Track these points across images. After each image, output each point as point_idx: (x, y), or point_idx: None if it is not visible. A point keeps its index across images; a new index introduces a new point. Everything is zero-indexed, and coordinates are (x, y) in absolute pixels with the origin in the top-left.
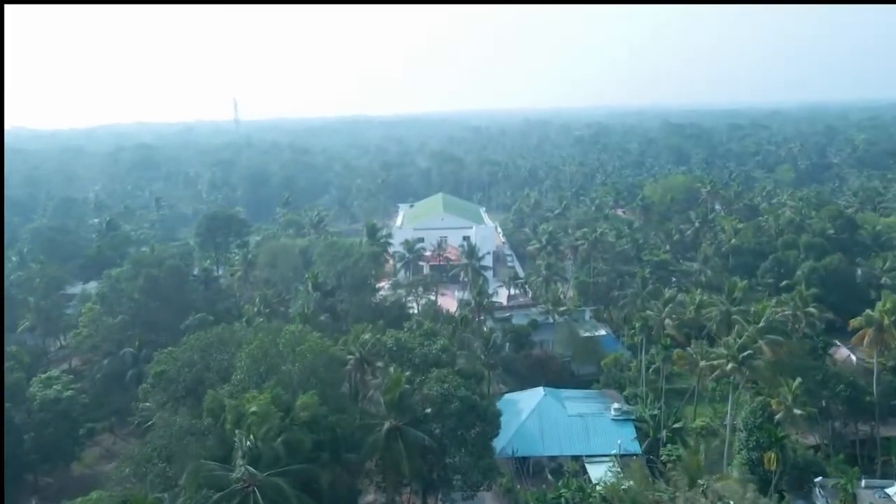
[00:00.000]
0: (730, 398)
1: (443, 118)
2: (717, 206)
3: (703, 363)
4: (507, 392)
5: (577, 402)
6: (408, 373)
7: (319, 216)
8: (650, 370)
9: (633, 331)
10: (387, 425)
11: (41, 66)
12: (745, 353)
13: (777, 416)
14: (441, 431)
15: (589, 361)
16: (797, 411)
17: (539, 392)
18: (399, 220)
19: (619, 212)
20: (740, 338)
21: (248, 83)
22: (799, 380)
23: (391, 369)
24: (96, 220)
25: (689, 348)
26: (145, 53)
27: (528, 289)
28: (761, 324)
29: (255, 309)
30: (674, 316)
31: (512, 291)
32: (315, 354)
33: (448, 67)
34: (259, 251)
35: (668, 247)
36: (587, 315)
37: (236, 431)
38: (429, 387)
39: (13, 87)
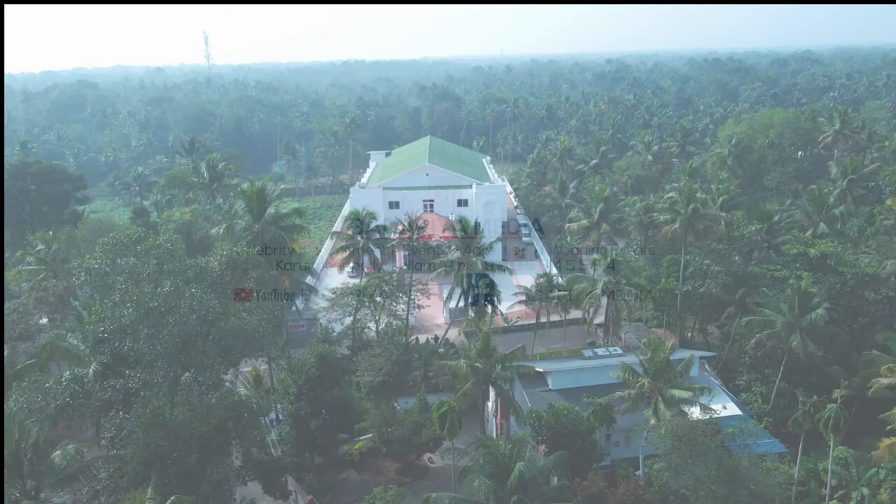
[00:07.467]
0: None
1: (441, 62)
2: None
3: None
4: None
5: None
6: None
7: (213, 167)
8: None
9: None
10: None
11: (21, 8)
12: None
13: None
14: None
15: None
16: None
17: None
18: (366, 176)
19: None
20: None
21: (238, 24)
22: None
23: None
24: None
25: None
26: None
27: (567, 304)
28: None
29: None
30: None
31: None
32: None
33: (446, 12)
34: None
35: (823, 226)
36: (695, 366)
37: None
38: None
39: None
